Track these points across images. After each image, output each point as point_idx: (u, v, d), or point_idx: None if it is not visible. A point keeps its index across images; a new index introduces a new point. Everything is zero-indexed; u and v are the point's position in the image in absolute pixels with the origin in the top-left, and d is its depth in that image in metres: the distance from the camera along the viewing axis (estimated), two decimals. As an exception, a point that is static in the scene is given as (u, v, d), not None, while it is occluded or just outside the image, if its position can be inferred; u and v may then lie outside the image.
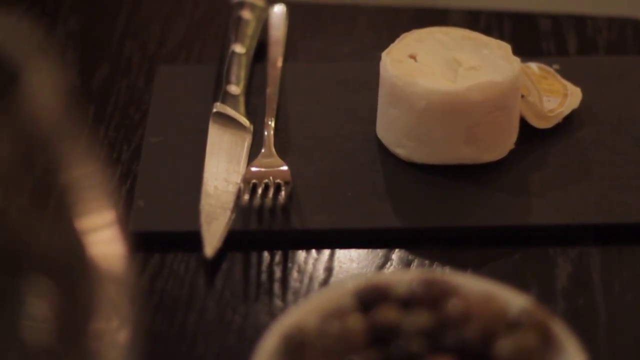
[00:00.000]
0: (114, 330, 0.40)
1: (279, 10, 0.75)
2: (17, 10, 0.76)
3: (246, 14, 0.73)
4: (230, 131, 0.65)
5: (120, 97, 0.70)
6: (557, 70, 0.68)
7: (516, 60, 0.63)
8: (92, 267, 0.40)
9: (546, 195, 0.61)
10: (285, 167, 0.62)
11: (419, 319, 0.46)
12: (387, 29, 0.76)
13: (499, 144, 0.63)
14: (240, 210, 0.60)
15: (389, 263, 0.58)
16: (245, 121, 0.65)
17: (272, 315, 0.55)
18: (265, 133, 0.64)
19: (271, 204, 0.59)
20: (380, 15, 0.78)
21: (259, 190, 0.60)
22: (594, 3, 0.78)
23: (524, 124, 0.64)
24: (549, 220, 0.60)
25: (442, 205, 0.60)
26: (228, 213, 0.59)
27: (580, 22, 0.76)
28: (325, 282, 0.57)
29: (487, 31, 0.70)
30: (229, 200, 0.60)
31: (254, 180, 0.61)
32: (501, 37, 0.71)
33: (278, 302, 0.56)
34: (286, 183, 0.61)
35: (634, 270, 0.58)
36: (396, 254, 0.59)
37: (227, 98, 0.66)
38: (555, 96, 0.66)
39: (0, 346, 0.38)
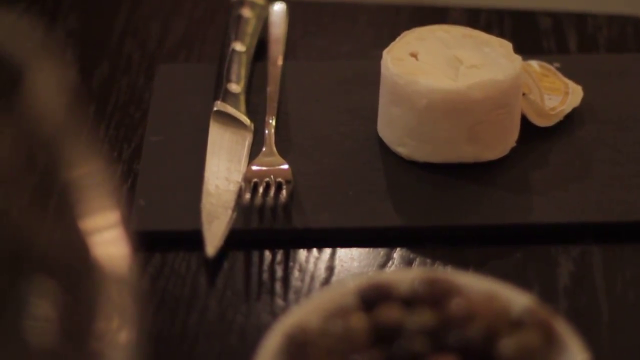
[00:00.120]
0: (115, 330, 0.40)
1: (279, 8, 0.75)
2: (16, 8, 0.76)
3: (246, 12, 0.72)
4: (231, 130, 0.65)
5: (120, 96, 0.70)
6: (558, 68, 0.68)
7: (517, 58, 0.62)
8: (92, 267, 0.40)
9: (548, 194, 0.61)
10: (286, 166, 0.61)
11: (422, 318, 0.46)
12: (387, 27, 0.76)
13: (501, 143, 0.63)
14: (242, 209, 0.59)
15: (390, 262, 0.58)
16: (246, 120, 0.65)
17: (274, 314, 0.55)
18: (266, 132, 0.64)
19: (272, 203, 0.59)
20: (380, 13, 0.78)
21: (260, 189, 0.60)
22: (594, 1, 0.78)
23: (525, 122, 0.64)
24: (551, 219, 0.60)
25: (444, 204, 0.60)
26: (229, 212, 0.59)
27: (580, 19, 0.76)
28: (327, 281, 0.57)
29: (488, 29, 0.70)
30: (230, 199, 0.60)
31: (255, 179, 0.60)
32: (501, 35, 0.71)
33: (279, 301, 0.56)
34: (287, 182, 0.60)
35: (636, 269, 0.58)
36: (398, 253, 0.58)
37: (227, 97, 0.66)
38: (556, 94, 0.66)
39: (1, 346, 0.38)
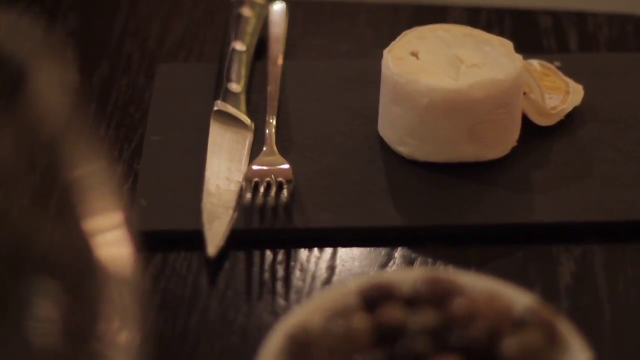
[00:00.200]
0: (116, 330, 0.40)
1: (279, 7, 0.75)
2: (15, 8, 0.76)
3: (246, 12, 0.72)
4: (231, 130, 0.65)
5: (120, 96, 0.70)
6: (558, 68, 0.68)
7: (518, 57, 0.62)
8: (93, 267, 0.40)
9: (549, 193, 0.61)
10: (287, 166, 0.61)
11: (425, 319, 0.46)
12: (387, 26, 0.76)
13: (502, 142, 0.62)
14: (243, 209, 0.59)
15: (391, 262, 0.58)
16: (246, 119, 0.65)
17: (276, 314, 0.55)
18: (267, 131, 0.64)
19: (273, 202, 0.59)
20: (380, 12, 0.78)
21: (261, 189, 0.60)
22: (594, 0, 0.78)
23: (526, 121, 0.64)
24: (552, 218, 0.59)
25: (445, 204, 0.60)
26: (230, 212, 0.59)
27: (581, 19, 0.76)
28: (328, 281, 0.57)
29: (488, 28, 0.70)
30: (231, 199, 0.60)
31: (256, 179, 0.60)
32: (502, 34, 0.71)
33: (281, 301, 0.56)
34: (288, 182, 0.60)
35: (638, 268, 0.57)
36: (399, 253, 0.58)
37: (228, 96, 0.66)
38: (557, 93, 0.66)
39: (3, 346, 0.38)
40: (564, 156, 0.63)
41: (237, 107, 0.65)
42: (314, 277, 0.57)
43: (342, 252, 0.59)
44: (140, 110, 0.68)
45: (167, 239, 0.59)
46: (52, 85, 0.38)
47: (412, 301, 0.47)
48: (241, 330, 0.54)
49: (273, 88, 0.67)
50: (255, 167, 0.61)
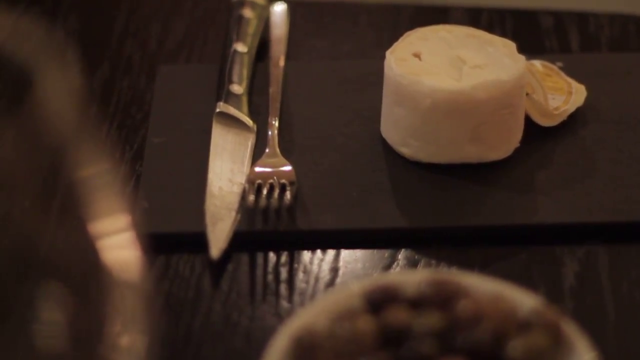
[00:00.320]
0: (119, 333, 0.40)
1: (279, 8, 0.75)
2: (15, 9, 0.75)
3: (247, 13, 0.72)
4: (233, 131, 0.64)
5: (121, 97, 0.70)
6: (560, 68, 0.68)
7: (521, 58, 0.62)
8: (95, 269, 0.40)
9: (552, 194, 0.61)
10: (289, 167, 0.61)
11: (430, 320, 0.46)
12: (388, 27, 0.76)
13: (505, 143, 0.62)
14: (245, 210, 0.59)
15: (395, 263, 0.58)
16: (248, 121, 0.65)
17: (279, 316, 0.55)
18: (269, 133, 0.64)
19: (276, 204, 0.59)
20: (381, 13, 0.77)
21: (264, 191, 0.59)
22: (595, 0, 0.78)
23: (529, 122, 0.64)
24: (556, 219, 0.59)
25: (448, 205, 0.60)
26: (233, 214, 0.59)
27: (582, 18, 0.76)
28: (331, 282, 0.57)
29: (489, 29, 0.70)
30: (233, 200, 0.60)
31: (258, 181, 0.60)
32: (503, 34, 0.70)
33: (284, 303, 0.56)
34: (291, 183, 0.60)
35: (641, 269, 0.57)
36: (402, 254, 0.58)
37: (229, 98, 0.66)
38: (559, 94, 0.66)
39: (6, 348, 0.38)
40: (567, 157, 0.63)
41: (239, 108, 0.65)
42: (317, 279, 0.57)
43: (345, 253, 0.59)
44: (141, 111, 0.68)
45: (169, 241, 0.59)
46: (53, 87, 0.38)
47: (417, 303, 0.47)
48: (245, 333, 0.54)
49: (275, 89, 0.67)
50: (257, 169, 0.61)
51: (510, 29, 0.75)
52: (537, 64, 0.68)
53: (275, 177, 0.61)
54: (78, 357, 0.39)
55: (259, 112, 0.66)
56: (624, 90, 0.68)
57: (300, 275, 0.57)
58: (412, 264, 0.58)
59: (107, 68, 0.72)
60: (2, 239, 0.38)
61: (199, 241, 0.58)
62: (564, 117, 0.65)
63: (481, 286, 0.48)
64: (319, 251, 0.59)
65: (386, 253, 0.58)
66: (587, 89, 0.66)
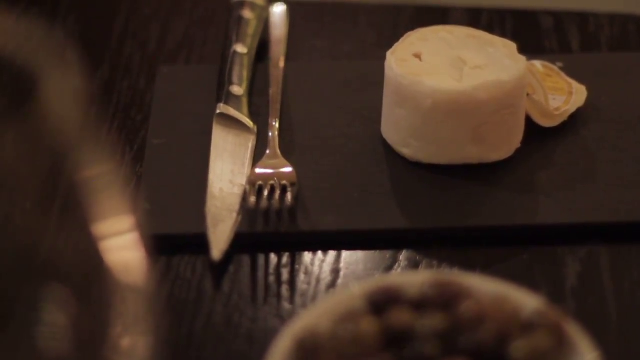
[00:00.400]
0: (120, 335, 0.40)
1: (279, 9, 0.75)
2: (14, 10, 0.75)
3: (247, 13, 0.72)
4: (234, 132, 0.64)
5: (121, 99, 0.69)
6: (561, 68, 0.68)
7: (522, 58, 0.62)
8: (97, 271, 0.40)
9: (553, 195, 0.61)
10: (290, 169, 0.61)
11: (433, 322, 0.46)
12: (388, 27, 0.76)
13: (506, 143, 0.62)
14: (247, 212, 0.59)
15: (396, 264, 0.58)
16: (249, 122, 0.65)
17: (281, 318, 0.55)
18: (270, 134, 0.64)
19: (277, 206, 0.59)
20: (381, 13, 0.77)
21: (265, 192, 0.59)
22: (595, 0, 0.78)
23: (529, 122, 0.64)
24: (557, 220, 0.59)
25: (449, 205, 0.60)
26: (234, 215, 0.59)
27: (582, 19, 0.76)
28: (333, 284, 0.57)
29: (489, 29, 0.70)
30: (234, 202, 0.60)
31: (259, 182, 0.60)
32: (503, 34, 0.70)
33: (286, 304, 0.56)
34: (292, 184, 0.60)
35: (643, 269, 0.57)
36: (404, 255, 0.58)
37: (230, 99, 0.66)
38: (560, 94, 0.66)
39: (9, 351, 0.38)
40: (568, 157, 0.63)
41: (239, 109, 0.65)
42: (318, 280, 0.57)
43: (346, 254, 0.58)
44: (141, 113, 0.68)
45: (170, 243, 0.59)
46: (53, 88, 0.38)
47: (420, 304, 0.47)
48: (246, 334, 0.54)
49: (275, 90, 0.67)
50: (258, 170, 0.61)
51: (510, 30, 0.75)
52: (538, 64, 0.67)
53: (276, 179, 0.60)
54: (79, 359, 0.39)
55: (259, 113, 0.66)
56: (625, 90, 0.68)
57: (301, 276, 0.57)
58: (414, 264, 0.58)
59: (106, 69, 0.72)
60: (3, 240, 0.38)
61: (200, 243, 0.58)
62: (564, 117, 0.65)
63: (484, 287, 0.48)
64: (320, 252, 0.58)
65: (387, 254, 0.58)
66: (588, 89, 0.66)
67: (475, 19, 0.75)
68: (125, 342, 0.40)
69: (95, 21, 0.77)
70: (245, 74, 0.68)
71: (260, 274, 0.57)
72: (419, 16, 0.76)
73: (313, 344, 0.45)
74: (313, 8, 0.77)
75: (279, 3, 0.75)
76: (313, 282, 0.57)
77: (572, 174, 0.62)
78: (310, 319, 0.47)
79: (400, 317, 0.46)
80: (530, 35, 0.74)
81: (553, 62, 0.68)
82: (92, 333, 0.39)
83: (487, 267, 0.58)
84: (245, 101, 0.66)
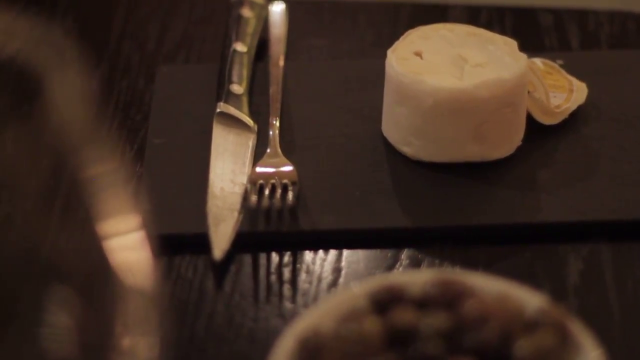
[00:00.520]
0: (121, 335, 0.40)
1: (278, 8, 0.74)
2: (12, 10, 0.75)
3: (246, 12, 0.72)
4: (234, 131, 0.64)
5: (120, 98, 0.69)
6: (561, 66, 0.68)
7: (523, 56, 0.62)
8: (98, 271, 0.40)
9: (555, 192, 0.60)
10: (291, 167, 0.61)
11: (436, 321, 0.45)
12: (387, 25, 0.75)
13: (507, 141, 0.62)
14: (248, 211, 0.59)
15: (398, 263, 0.58)
16: (249, 121, 0.65)
17: (283, 317, 0.55)
18: (270, 133, 0.64)
19: (279, 205, 0.59)
20: (380, 11, 0.77)
21: (266, 191, 0.59)
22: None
23: (530, 120, 0.64)
24: (559, 218, 0.59)
25: (451, 204, 0.60)
26: (235, 214, 0.59)
27: (581, 16, 0.76)
28: (334, 283, 0.57)
29: (489, 27, 0.70)
30: (235, 201, 0.59)
31: (260, 181, 0.60)
32: (503, 32, 0.70)
33: (288, 304, 0.55)
34: (293, 183, 0.60)
35: (645, 266, 0.57)
36: (405, 254, 0.58)
37: (230, 98, 0.66)
38: (560, 92, 0.65)
39: (9, 350, 0.38)
40: (569, 155, 0.63)
41: (240, 108, 0.65)
42: (319, 279, 0.57)
43: (348, 253, 0.58)
44: (140, 112, 0.68)
45: (172, 243, 0.58)
46: (52, 88, 0.38)
47: (423, 303, 0.47)
48: (248, 334, 0.54)
49: (275, 89, 0.67)
50: (259, 169, 0.61)
51: (510, 27, 0.74)
52: (538, 62, 0.67)
53: (276, 178, 0.60)
54: (81, 359, 0.39)
55: (259, 112, 0.66)
56: (625, 88, 0.68)
57: (303, 275, 0.57)
58: (415, 263, 0.58)
59: (105, 69, 0.72)
60: (4, 240, 0.38)
61: (202, 242, 0.58)
62: (565, 115, 0.65)
63: (487, 286, 0.48)
64: (321, 251, 0.58)
65: (389, 253, 0.58)
66: (588, 86, 0.66)
67: (474, 16, 0.75)
68: (127, 342, 0.40)
69: (94, 21, 0.77)
70: (245, 72, 0.68)
71: (262, 273, 0.57)
72: (418, 14, 0.76)
73: (316, 344, 0.45)
74: (312, 6, 0.77)
75: (278, 1, 0.75)
76: (315, 282, 0.57)
77: (574, 172, 0.62)
78: (313, 318, 0.47)
79: (404, 316, 0.46)
80: (530, 32, 0.74)
81: (553, 59, 0.68)
82: (94, 333, 0.39)
83: (489, 266, 0.57)
84: (245, 100, 0.66)
